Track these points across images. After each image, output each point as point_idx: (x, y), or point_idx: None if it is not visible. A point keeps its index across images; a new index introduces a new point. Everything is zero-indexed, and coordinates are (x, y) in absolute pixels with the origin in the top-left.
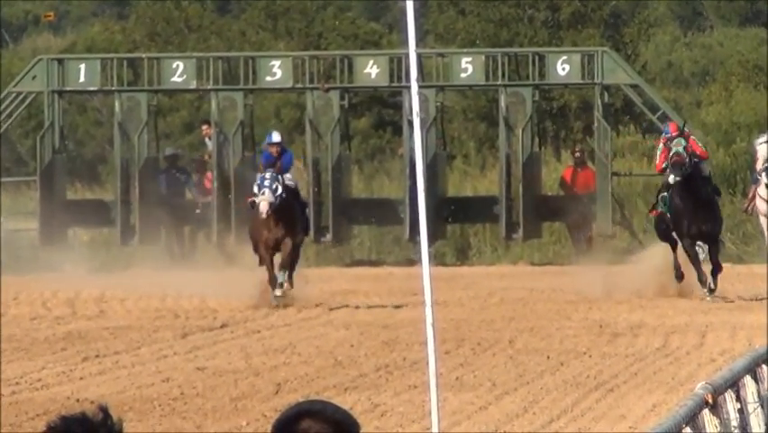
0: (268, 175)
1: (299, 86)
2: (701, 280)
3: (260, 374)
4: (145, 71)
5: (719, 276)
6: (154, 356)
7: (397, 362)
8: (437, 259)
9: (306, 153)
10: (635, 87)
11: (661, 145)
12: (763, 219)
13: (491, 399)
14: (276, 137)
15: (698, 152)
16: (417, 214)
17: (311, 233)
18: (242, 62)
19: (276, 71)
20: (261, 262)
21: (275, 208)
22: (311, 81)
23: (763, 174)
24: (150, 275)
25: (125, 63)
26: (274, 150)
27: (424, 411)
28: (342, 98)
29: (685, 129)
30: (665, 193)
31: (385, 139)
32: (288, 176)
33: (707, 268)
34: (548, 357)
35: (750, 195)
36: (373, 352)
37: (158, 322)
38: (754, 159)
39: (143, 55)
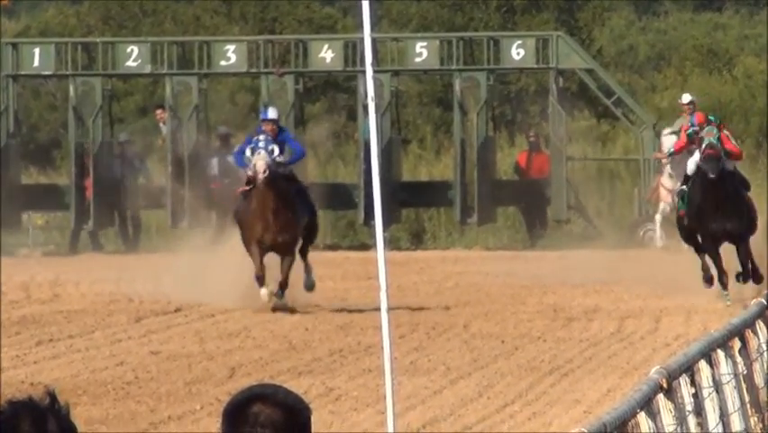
0: (262, 137)
1: (254, 70)
2: (722, 282)
3: (214, 358)
4: (100, 56)
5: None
6: (108, 340)
7: (351, 346)
8: (392, 243)
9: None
10: (589, 71)
11: (682, 133)
12: (663, 205)
13: (446, 383)
14: (272, 113)
15: (728, 148)
16: (372, 198)
17: None
18: (197, 47)
19: (230, 56)
20: (251, 256)
21: (272, 179)
22: (266, 66)
23: (668, 165)
24: (105, 259)
25: (80, 47)
26: (269, 128)
27: (378, 395)
28: (296, 83)
29: (714, 120)
30: (684, 186)
31: (340, 123)
32: (279, 158)
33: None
34: (503, 342)
35: (654, 185)
36: (327, 336)
37: (112, 306)
38: (659, 149)
39: (98, 39)
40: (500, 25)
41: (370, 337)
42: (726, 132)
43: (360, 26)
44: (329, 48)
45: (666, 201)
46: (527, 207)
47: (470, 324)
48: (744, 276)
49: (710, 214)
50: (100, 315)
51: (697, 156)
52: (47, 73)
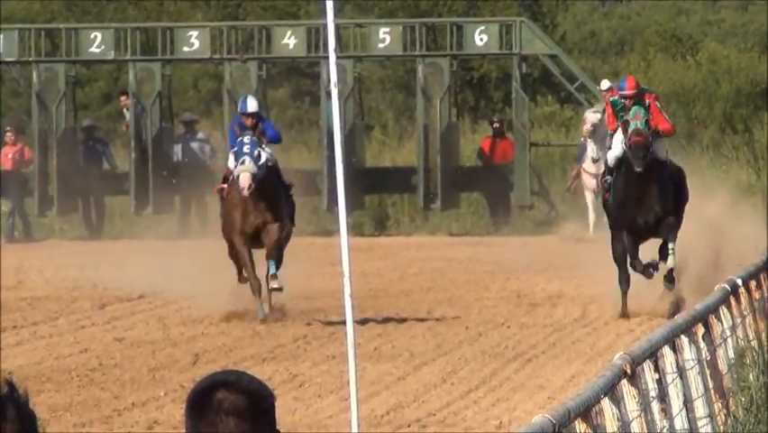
0: (247, 140)
1: (217, 56)
2: (638, 269)
3: (178, 345)
4: (63, 42)
5: (673, 293)
6: (72, 327)
7: (315, 332)
8: (355, 229)
9: (223, 124)
10: (553, 57)
11: (608, 107)
12: (588, 194)
13: (409, 369)
14: (252, 105)
15: (660, 127)
16: (335, 184)
17: None
18: (160, 33)
19: (194, 42)
20: (238, 266)
21: (258, 183)
22: (229, 52)
23: (589, 148)
24: (68, 246)
25: (43, 34)
26: (249, 122)
27: (342, 381)
28: (260, 69)
29: (648, 91)
30: (609, 177)
31: (303, 110)
32: (266, 150)
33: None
34: (466, 328)
35: (574, 173)
36: (291, 322)
37: (76, 293)
38: (584, 127)
39: (61, 26)
40: (464, 11)
41: (334, 324)
42: (657, 103)
43: (323, 12)
44: (292, 34)
45: (590, 188)
46: (491, 192)
47: (434, 310)
48: (669, 278)
49: (634, 207)
50: (64, 301)
51: (620, 146)
52: (10, 59)
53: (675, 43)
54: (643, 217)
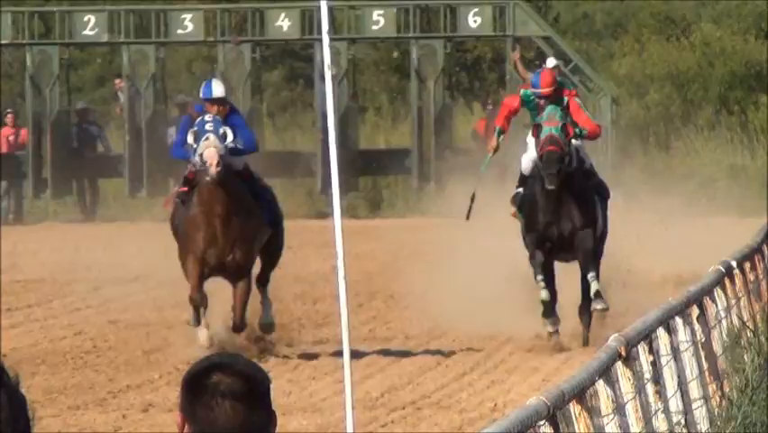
0: (208, 118)
1: (211, 39)
2: (548, 323)
3: (173, 327)
4: (57, 24)
5: (592, 322)
6: (66, 309)
7: (309, 314)
8: (349, 212)
9: None
10: (546, 39)
11: (513, 100)
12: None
13: (404, 351)
14: (217, 90)
15: (587, 128)
16: (329, 167)
17: None
18: (154, 15)
19: (187, 24)
20: (186, 275)
21: (223, 176)
22: (222, 34)
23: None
24: (62, 228)
25: (36, 16)
26: (215, 110)
27: (336, 364)
28: (253, 51)
29: (567, 87)
30: (521, 189)
31: (297, 92)
32: (234, 144)
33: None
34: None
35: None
36: (285, 305)
37: (70, 275)
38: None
39: (55, 8)
40: None
41: (328, 306)
42: (577, 99)
43: None
44: (286, 16)
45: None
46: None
47: (428, 292)
48: (585, 308)
49: (546, 225)
50: (58, 284)
51: (534, 151)
52: (4, 42)
53: (669, 25)
54: (557, 231)
